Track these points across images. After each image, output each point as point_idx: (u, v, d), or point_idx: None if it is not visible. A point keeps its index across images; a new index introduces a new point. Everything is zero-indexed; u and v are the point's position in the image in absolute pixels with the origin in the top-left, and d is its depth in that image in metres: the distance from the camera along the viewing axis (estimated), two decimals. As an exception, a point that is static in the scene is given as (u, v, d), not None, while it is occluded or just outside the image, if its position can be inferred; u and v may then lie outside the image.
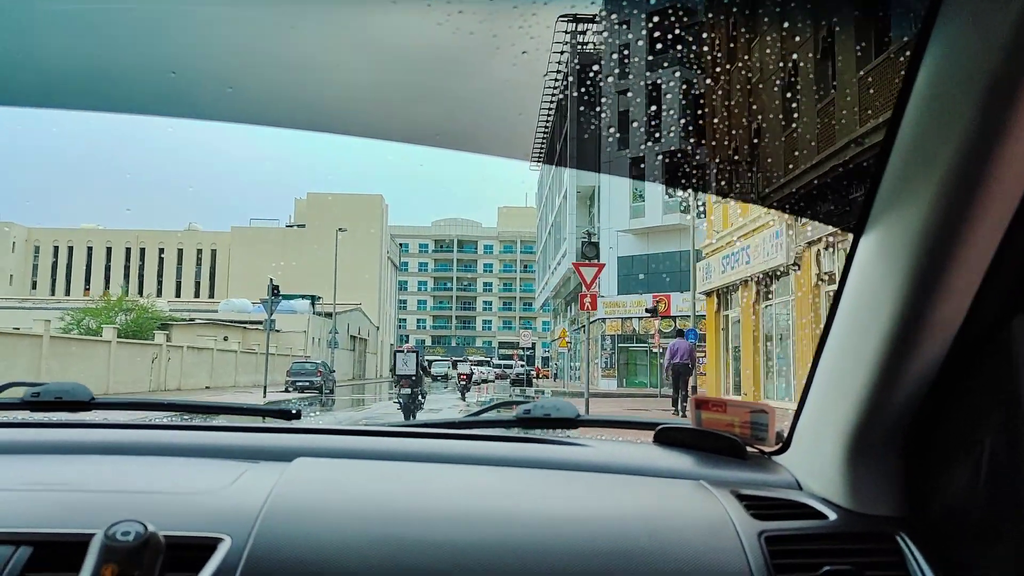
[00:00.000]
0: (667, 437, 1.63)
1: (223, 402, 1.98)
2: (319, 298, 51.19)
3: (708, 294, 23.72)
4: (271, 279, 25.74)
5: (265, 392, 25.44)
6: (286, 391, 29.53)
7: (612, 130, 38.71)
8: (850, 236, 1.23)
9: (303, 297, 50.02)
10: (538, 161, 66.97)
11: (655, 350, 39.12)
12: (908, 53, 1.05)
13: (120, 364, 24.95)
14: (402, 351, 16.44)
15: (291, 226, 70.18)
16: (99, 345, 24.66)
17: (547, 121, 46.52)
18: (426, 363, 18.42)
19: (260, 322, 42.98)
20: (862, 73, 10.58)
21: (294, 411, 1.69)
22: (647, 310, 32.03)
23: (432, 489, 1.28)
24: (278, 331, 43.09)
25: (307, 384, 29.64)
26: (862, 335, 1.19)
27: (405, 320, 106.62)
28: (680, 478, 1.40)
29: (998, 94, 0.93)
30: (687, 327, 31.58)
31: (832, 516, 1.24)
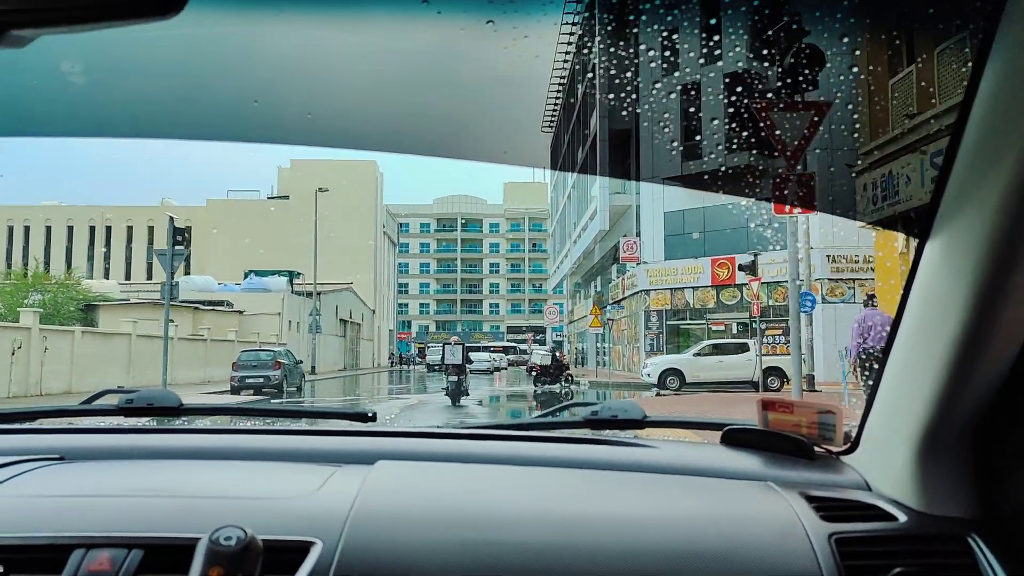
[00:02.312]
0: (734, 438, 1.63)
1: (305, 406, 1.60)
2: (299, 275, 43.18)
3: (888, 223, 15.31)
4: (171, 218, 17.58)
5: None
6: (233, 392, 21.55)
7: (652, 54, 30.51)
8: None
9: (279, 273, 41.99)
10: (551, 124, 59.07)
11: (728, 326, 31.47)
12: (972, 56, 1.04)
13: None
14: (449, 343, 18.03)
15: (273, 197, 62.17)
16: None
17: (564, 64, 37.64)
18: (469, 355, 19.34)
19: (222, 303, 35.02)
20: None
21: (370, 414, 1.73)
22: (741, 266, 23.88)
23: (509, 492, 1.32)
24: (240, 312, 35.06)
25: (261, 381, 21.58)
26: (931, 337, 1.19)
27: (407, 305, 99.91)
28: (748, 479, 1.41)
29: None
30: (812, 288, 23.54)
31: (902, 518, 1.24)
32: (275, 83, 1.85)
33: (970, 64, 1.05)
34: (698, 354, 25.17)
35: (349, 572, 1.06)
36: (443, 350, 18.47)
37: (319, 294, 42.40)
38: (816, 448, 1.53)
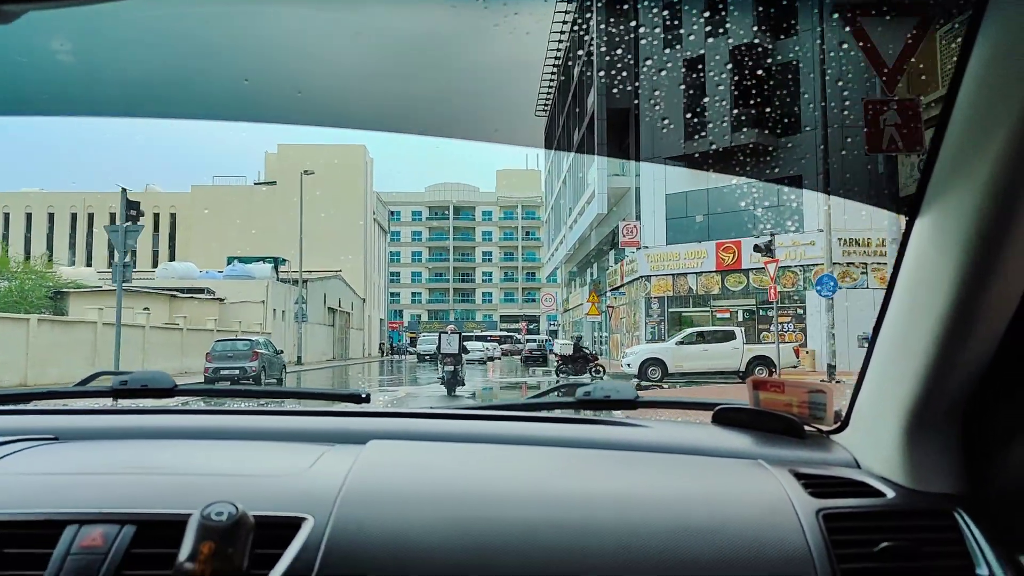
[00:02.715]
0: (725, 417, 1.65)
1: (299, 389, 2.19)
2: (284, 261, 41.56)
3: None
4: (124, 189, 16.04)
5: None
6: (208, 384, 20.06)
7: (653, 27, 28.96)
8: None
9: (263, 260, 40.38)
10: (545, 107, 57.54)
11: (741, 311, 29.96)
12: (962, 34, 1.04)
13: None
14: (445, 332, 17.84)
15: (260, 183, 60.34)
16: None
17: (559, 43, 36.14)
18: (464, 344, 18.99)
19: (202, 291, 33.47)
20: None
21: (364, 395, 1.73)
22: (756, 247, 22.46)
23: (500, 470, 1.32)
24: (221, 300, 33.51)
25: (237, 373, 20.07)
26: (920, 315, 1.20)
27: (399, 294, 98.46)
28: (738, 457, 1.42)
29: None
30: (822, 272, 22.14)
31: (890, 494, 1.26)
32: (266, 62, 1.82)
33: (959, 40, 1.02)
34: (682, 342, 23.61)
35: (340, 548, 1.06)
36: (439, 339, 18.11)
37: (305, 282, 40.86)
38: (806, 427, 1.55)
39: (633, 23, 26.89)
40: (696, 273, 30.46)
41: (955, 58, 1.05)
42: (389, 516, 1.12)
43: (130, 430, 1.55)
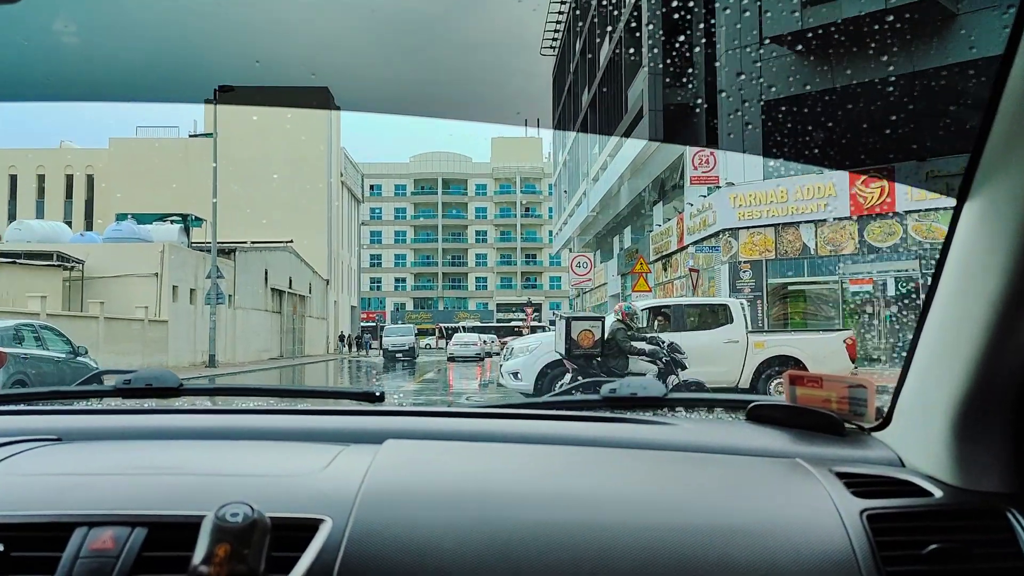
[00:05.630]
0: (760, 415, 1.61)
1: (311, 387, 2.18)
2: (200, 222, 30.28)
3: None
4: None
5: None
6: None
7: None
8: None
9: (168, 219, 29.08)
10: (553, 42, 46.31)
11: None
12: (1014, 7, 1.01)
13: None
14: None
15: (196, 135, 48.99)
16: None
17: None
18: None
19: (51, 255, 22.16)
20: None
21: (378, 393, 1.72)
22: None
23: (523, 469, 1.31)
24: (67, 269, 22.13)
25: None
26: (970, 303, 1.16)
27: (380, 280, 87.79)
28: (775, 456, 1.39)
29: None
30: None
31: (937, 493, 1.22)
32: (277, 45, 2.80)
33: (1011, 11, 0.98)
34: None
35: (360, 550, 1.05)
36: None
37: (232, 251, 29.69)
38: (847, 424, 1.50)
39: None
40: (815, 221, 19.40)
41: (1007, 29, 1.02)
42: (409, 517, 1.10)
43: (136, 430, 1.52)
